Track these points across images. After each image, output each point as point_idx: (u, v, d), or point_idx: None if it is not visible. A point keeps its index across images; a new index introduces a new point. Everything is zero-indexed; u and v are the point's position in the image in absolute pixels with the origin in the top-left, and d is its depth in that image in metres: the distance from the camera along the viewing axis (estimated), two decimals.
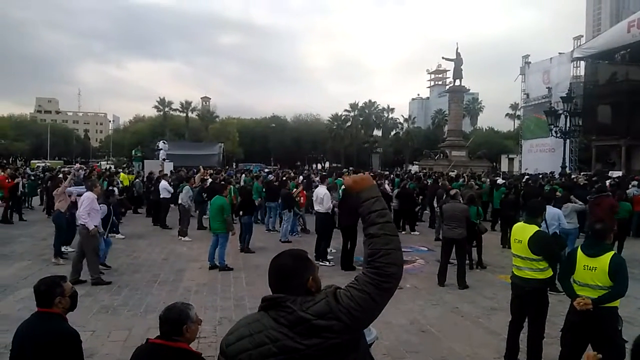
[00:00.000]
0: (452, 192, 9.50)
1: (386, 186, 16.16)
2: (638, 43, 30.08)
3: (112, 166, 43.01)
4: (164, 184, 15.25)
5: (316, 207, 10.84)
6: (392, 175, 23.43)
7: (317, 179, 15.78)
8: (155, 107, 72.48)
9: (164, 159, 27.40)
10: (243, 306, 7.10)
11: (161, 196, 15.01)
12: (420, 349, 5.65)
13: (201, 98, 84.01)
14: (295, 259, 1.95)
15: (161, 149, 32.79)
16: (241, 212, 11.83)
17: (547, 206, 8.58)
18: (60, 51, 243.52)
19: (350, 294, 1.81)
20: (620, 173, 26.26)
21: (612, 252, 4.22)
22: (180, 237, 12.75)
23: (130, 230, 13.91)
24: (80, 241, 8.40)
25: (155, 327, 3.16)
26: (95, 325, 6.09)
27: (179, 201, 13.68)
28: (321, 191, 10.93)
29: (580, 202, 10.14)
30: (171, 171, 22.61)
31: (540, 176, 23.37)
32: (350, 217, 9.77)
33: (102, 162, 55.85)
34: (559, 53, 38.21)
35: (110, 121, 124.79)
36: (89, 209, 8.23)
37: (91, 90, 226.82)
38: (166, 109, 72.23)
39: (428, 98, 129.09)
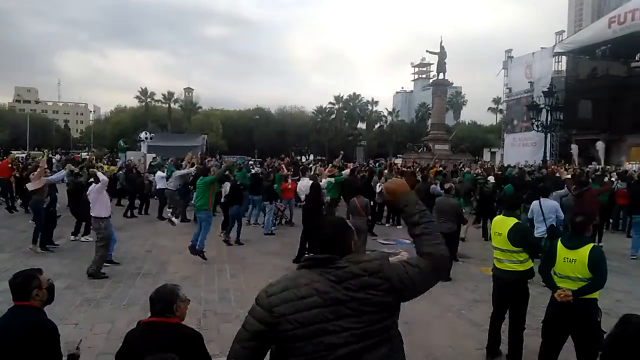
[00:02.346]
0: (446, 186, 9.60)
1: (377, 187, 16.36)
2: (618, 39, 30.51)
3: (94, 157, 42.36)
4: (160, 174, 15.13)
5: (303, 199, 10.82)
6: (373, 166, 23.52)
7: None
8: (137, 97, 71.60)
9: (145, 152, 27.12)
10: (227, 299, 7.09)
11: (157, 187, 14.85)
12: (403, 340, 5.69)
13: (184, 89, 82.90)
14: (336, 226, 2.17)
15: (143, 140, 32.44)
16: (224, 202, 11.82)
17: (544, 199, 8.79)
18: (41, 40, 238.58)
19: (404, 266, 2.04)
20: (600, 167, 26.73)
21: (591, 245, 4.31)
22: (173, 218, 12.59)
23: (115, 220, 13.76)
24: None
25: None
26: (77, 318, 6.03)
27: (166, 186, 13.59)
28: (306, 184, 10.94)
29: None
30: (150, 163, 22.34)
31: (527, 169, 23.67)
32: (315, 216, 9.75)
33: (83, 153, 54.92)
34: (541, 48, 38.54)
35: (91, 111, 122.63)
36: (94, 199, 8.32)
37: (71, 80, 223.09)
38: (148, 100, 71.37)
39: (412, 91, 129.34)
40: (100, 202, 8.35)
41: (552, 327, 4.49)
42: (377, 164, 22.68)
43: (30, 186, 10.19)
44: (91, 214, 8.44)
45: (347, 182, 12.68)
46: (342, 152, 24.42)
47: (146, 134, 33.76)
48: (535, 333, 4.92)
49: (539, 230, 8.50)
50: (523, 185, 13.14)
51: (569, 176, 14.85)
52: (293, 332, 1.89)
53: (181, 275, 8.34)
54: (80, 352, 3.08)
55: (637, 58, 32.11)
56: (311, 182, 10.89)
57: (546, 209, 8.52)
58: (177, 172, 14.22)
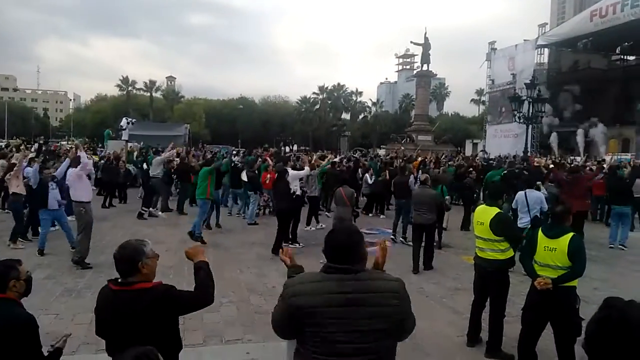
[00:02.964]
0: (422, 177, 9.47)
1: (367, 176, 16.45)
2: (600, 32, 30.92)
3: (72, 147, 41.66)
4: (158, 159, 14.32)
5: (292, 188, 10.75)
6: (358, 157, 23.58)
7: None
8: (118, 86, 70.59)
9: (126, 140, 26.70)
10: None
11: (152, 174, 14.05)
12: None
13: (166, 78, 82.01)
14: (351, 234, 2.30)
15: (125, 128, 31.84)
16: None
17: (530, 190, 8.90)
18: (20, 26, 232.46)
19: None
20: (580, 159, 27.16)
21: (571, 234, 4.38)
22: (160, 213, 12.46)
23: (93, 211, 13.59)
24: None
25: None
26: (58, 308, 5.96)
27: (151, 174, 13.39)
28: (293, 172, 10.90)
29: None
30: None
31: (506, 160, 23.94)
32: (284, 202, 9.89)
33: (63, 142, 53.96)
34: (524, 40, 38.90)
35: (70, 100, 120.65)
36: (72, 182, 8.18)
37: (51, 67, 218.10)
38: (129, 88, 70.39)
39: (396, 82, 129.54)
40: (80, 186, 8.15)
41: (532, 314, 4.57)
42: (369, 159, 22.48)
43: (11, 188, 9.75)
44: (72, 198, 8.29)
45: (329, 173, 12.73)
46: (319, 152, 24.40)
47: (127, 119, 33.15)
48: (515, 320, 5.00)
49: (523, 221, 8.62)
50: (515, 177, 13.19)
51: (552, 166, 15.12)
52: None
53: (164, 266, 8.21)
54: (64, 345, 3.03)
55: (617, 51, 32.57)
56: (295, 172, 10.89)
57: (531, 200, 8.63)
58: (158, 158, 13.96)
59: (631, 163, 20.12)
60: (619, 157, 29.30)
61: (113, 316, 2.73)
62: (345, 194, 9.33)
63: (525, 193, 8.81)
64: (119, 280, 2.79)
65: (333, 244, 2.26)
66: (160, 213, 12.80)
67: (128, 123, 30.76)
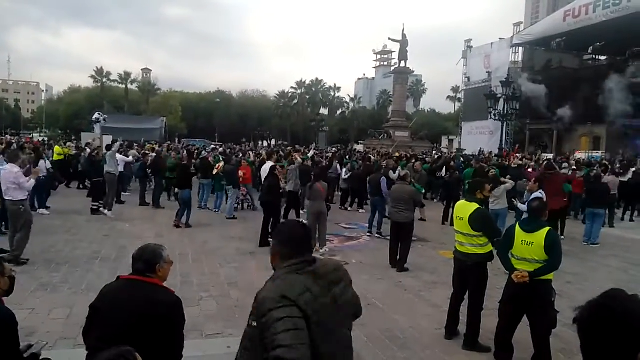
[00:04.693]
0: (402, 173, 9.38)
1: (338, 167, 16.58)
2: (573, 32, 31.55)
3: (46, 139, 40.72)
4: (111, 153, 13.43)
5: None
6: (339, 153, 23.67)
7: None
8: (92, 77, 68.98)
9: (102, 134, 26.21)
10: (190, 282, 7.02)
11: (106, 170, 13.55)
12: (365, 321, 5.79)
13: (142, 69, 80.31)
14: (304, 226, 2.38)
15: (99, 122, 31.21)
16: (177, 189, 11.65)
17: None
18: None
19: None
20: (551, 155, 27.79)
21: (547, 228, 4.49)
22: (106, 211, 12.00)
23: (67, 206, 13.36)
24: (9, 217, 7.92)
25: None
26: (33, 303, 5.83)
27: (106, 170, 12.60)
28: (269, 167, 10.90)
29: (512, 182, 10.61)
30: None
31: (480, 156, 24.36)
32: (270, 194, 9.93)
33: (35, 134, 52.63)
34: (500, 39, 39.45)
35: (43, 91, 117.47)
36: (10, 184, 7.61)
37: (23, 58, 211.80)
38: (104, 80, 68.91)
39: (373, 78, 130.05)
40: (16, 186, 7.63)
41: (509, 307, 4.68)
42: (347, 156, 22.38)
43: None
44: (5, 197, 7.79)
45: (302, 169, 12.75)
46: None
47: (99, 115, 32.48)
48: (492, 313, 5.11)
49: None
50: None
51: (521, 162, 15.47)
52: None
53: None
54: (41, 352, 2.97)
55: (589, 51, 33.30)
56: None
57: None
58: (110, 152, 12.94)
59: (601, 161, 20.75)
60: (590, 154, 30.13)
61: (118, 305, 2.71)
62: (322, 188, 9.39)
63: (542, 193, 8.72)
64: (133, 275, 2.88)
65: (294, 236, 2.20)
66: (107, 212, 12.22)
67: (99, 118, 30.14)
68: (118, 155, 13.71)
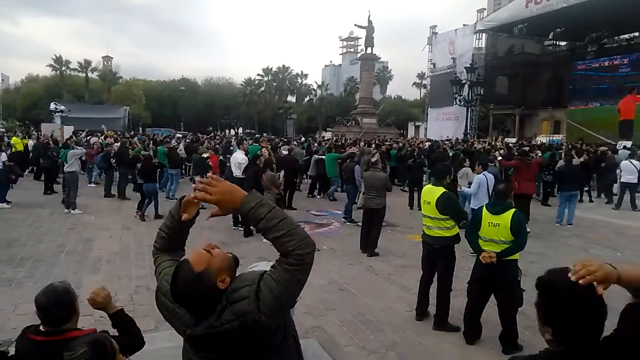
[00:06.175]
0: (373, 159, 9.36)
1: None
2: (534, 18, 32.06)
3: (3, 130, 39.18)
4: (73, 153, 12.64)
5: (235, 173, 10.63)
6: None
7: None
8: (51, 66, 66.48)
9: (63, 124, 25.43)
10: None
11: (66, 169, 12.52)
12: (338, 306, 5.89)
13: (102, 57, 77.88)
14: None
15: (57, 113, 30.16)
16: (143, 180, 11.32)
17: (487, 172, 9.05)
18: None
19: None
20: (514, 140, 28.46)
21: (513, 210, 4.63)
22: (70, 211, 11.45)
23: (30, 199, 12.94)
24: None
25: None
26: None
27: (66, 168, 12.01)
28: (239, 156, 10.78)
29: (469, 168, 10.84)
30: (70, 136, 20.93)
31: (446, 142, 24.72)
32: (251, 184, 9.76)
33: None
34: (464, 25, 39.84)
35: None
36: None
37: None
38: (63, 69, 66.55)
39: (340, 65, 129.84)
40: None
41: (477, 287, 4.82)
42: (317, 143, 22.31)
43: None
44: None
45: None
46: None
47: (56, 105, 31.39)
48: (461, 294, 5.24)
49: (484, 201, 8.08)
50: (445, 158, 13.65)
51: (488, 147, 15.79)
52: None
53: (108, 252, 8.02)
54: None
55: (550, 37, 34.01)
56: (244, 155, 10.83)
57: (491, 181, 8.57)
58: (72, 152, 12.24)
59: (561, 144, 21.38)
60: (550, 138, 30.98)
61: None
62: (267, 178, 9.29)
63: (485, 175, 8.81)
64: (43, 329, 2.30)
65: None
66: (71, 210, 11.75)
67: (56, 109, 29.05)
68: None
